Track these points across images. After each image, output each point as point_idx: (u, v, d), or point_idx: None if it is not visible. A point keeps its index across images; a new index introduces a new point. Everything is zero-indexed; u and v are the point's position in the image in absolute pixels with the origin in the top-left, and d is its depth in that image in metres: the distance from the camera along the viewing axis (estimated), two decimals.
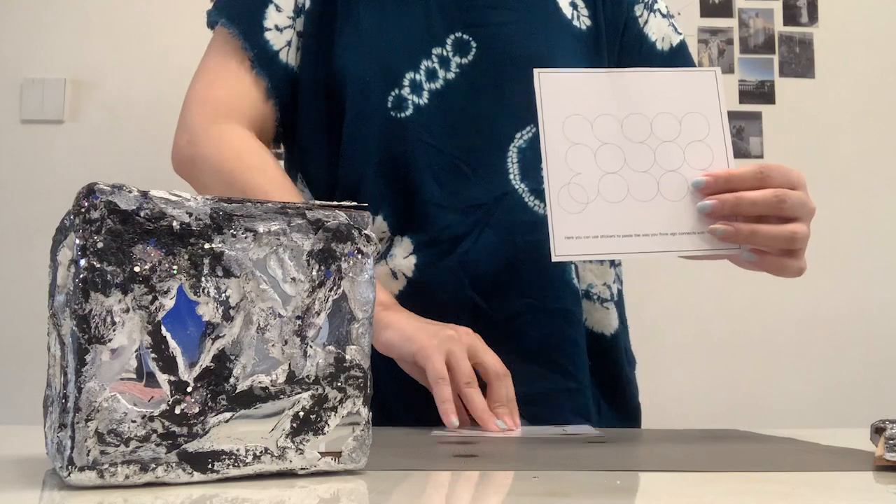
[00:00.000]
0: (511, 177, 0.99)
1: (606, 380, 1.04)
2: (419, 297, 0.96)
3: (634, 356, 1.12)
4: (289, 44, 1.02)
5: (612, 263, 1.08)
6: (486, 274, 0.96)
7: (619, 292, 1.09)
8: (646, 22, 1.10)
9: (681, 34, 1.12)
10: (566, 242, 0.76)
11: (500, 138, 0.99)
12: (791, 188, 0.80)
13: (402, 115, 0.99)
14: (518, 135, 1.00)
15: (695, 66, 1.11)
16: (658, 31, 1.10)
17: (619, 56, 1.09)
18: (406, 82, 1.00)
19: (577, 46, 1.05)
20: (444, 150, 0.99)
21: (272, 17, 1.02)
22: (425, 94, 1.00)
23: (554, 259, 0.76)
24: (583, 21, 1.06)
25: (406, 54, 1.00)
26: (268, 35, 1.01)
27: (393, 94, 0.99)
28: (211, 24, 1.06)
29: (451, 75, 1.00)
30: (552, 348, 0.97)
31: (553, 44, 1.04)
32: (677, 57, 1.11)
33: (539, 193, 0.99)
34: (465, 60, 1.01)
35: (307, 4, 1.03)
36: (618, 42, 1.09)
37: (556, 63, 1.01)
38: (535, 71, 0.80)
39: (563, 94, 0.80)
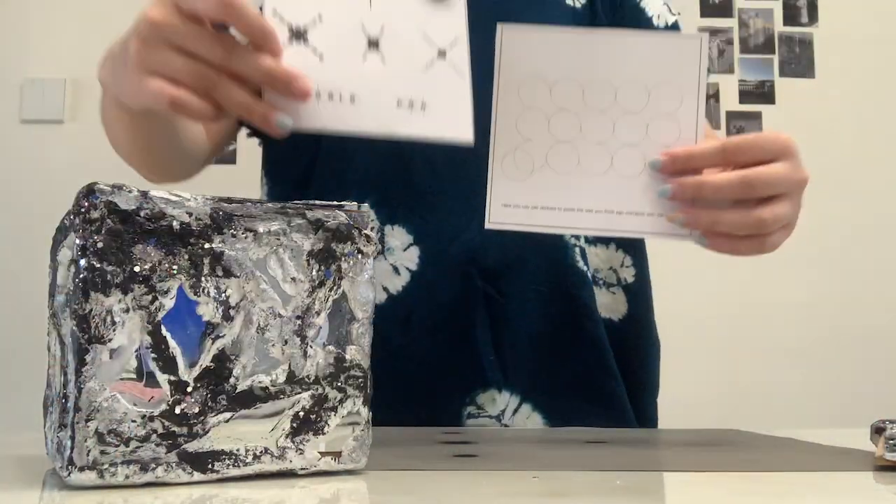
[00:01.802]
0: None
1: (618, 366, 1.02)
2: (425, 290, 0.94)
3: (660, 346, 1.08)
4: None
5: (620, 246, 1.05)
6: (494, 261, 0.95)
7: (637, 276, 1.05)
8: None
9: (675, 15, 1.09)
10: (503, 210, 0.72)
11: None
12: (772, 159, 0.71)
13: None
14: None
15: None
16: (654, 8, 1.08)
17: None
18: None
19: (572, 24, 1.01)
20: None
21: None
22: None
23: (487, 226, 0.72)
24: (577, 0, 1.04)
25: None
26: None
27: None
28: None
29: None
30: (563, 336, 0.97)
31: (548, 19, 1.01)
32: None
33: None
34: None
35: None
36: (616, 17, 1.06)
37: None
38: (499, 25, 0.73)
39: (525, 53, 0.73)
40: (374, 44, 0.69)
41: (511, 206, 0.72)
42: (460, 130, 0.70)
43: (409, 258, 0.95)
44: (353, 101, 0.67)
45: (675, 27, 1.08)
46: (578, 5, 1.04)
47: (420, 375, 0.92)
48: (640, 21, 1.07)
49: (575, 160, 0.72)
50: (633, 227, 0.72)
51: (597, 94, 0.72)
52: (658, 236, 0.72)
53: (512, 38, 0.73)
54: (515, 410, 0.94)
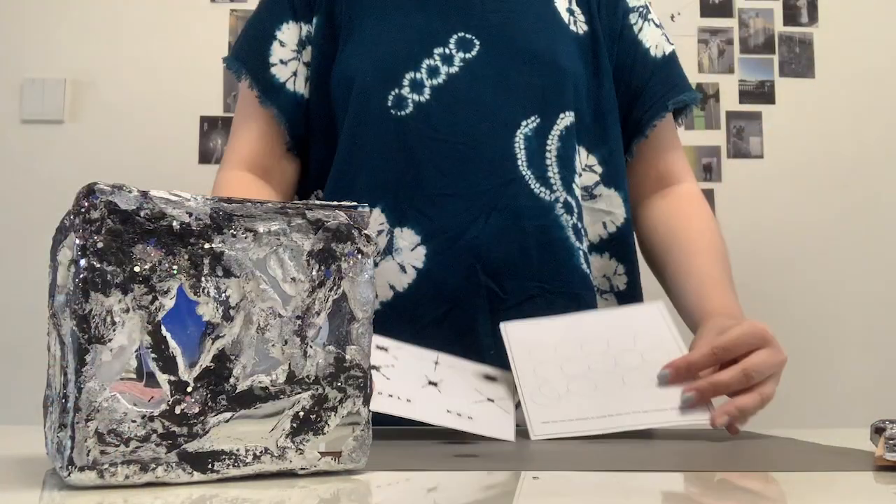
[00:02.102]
0: (519, 163, 1.00)
1: None
2: (431, 286, 0.97)
3: None
4: (294, 74, 1.09)
5: (613, 255, 1.09)
6: (497, 258, 0.98)
7: (629, 284, 1.10)
8: (640, 29, 1.14)
9: (672, 45, 1.15)
10: (542, 426, 0.81)
11: (505, 125, 1.01)
12: (755, 349, 0.84)
13: (403, 113, 1.01)
14: (524, 122, 1.01)
15: (684, 76, 1.15)
16: (652, 39, 1.14)
17: (617, 60, 1.11)
18: (406, 82, 1.01)
19: (576, 48, 1.07)
20: (448, 139, 1.00)
21: (277, 53, 1.09)
22: (426, 91, 1.01)
23: (533, 438, 0.79)
24: (580, 26, 1.09)
25: (406, 55, 1.03)
26: (273, 70, 1.08)
27: (393, 94, 1.01)
28: (229, 69, 1.13)
29: (454, 69, 1.02)
30: None
31: (555, 42, 1.06)
32: (670, 64, 1.13)
33: (545, 181, 1.01)
34: (469, 55, 1.03)
35: (312, 33, 1.09)
36: (615, 48, 1.11)
37: (558, 58, 1.04)
38: (502, 324, 0.90)
39: (528, 336, 0.90)
40: (433, 384, 0.83)
41: (549, 422, 0.81)
42: (503, 434, 0.79)
43: (416, 257, 0.97)
44: (410, 401, 0.78)
45: (672, 56, 1.14)
46: (581, 32, 1.09)
47: None
48: (636, 53, 1.12)
49: (592, 386, 0.84)
50: (662, 420, 0.81)
51: (592, 345, 0.88)
52: (684, 424, 0.82)
53: (513, 329, 0.90)
54: (517, 405, 0.94)
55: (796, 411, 2.22)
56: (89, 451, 0.46)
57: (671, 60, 1.13)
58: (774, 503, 0.48)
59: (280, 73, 1.08)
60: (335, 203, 0.55)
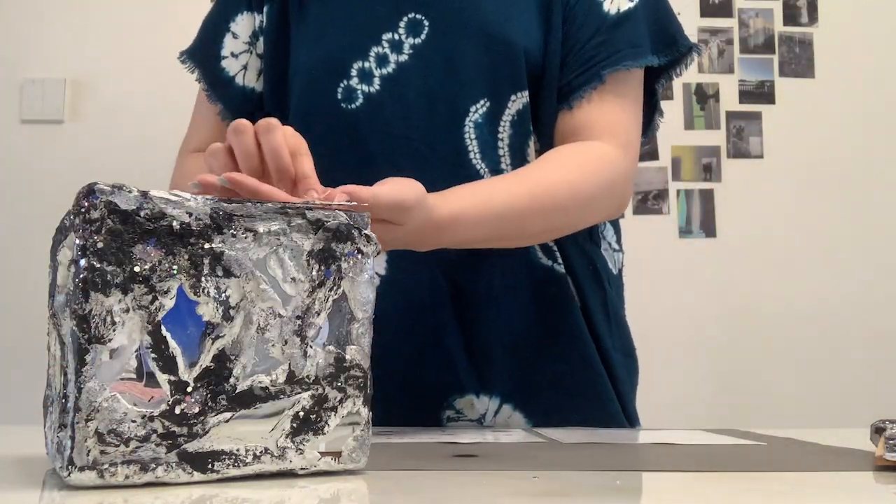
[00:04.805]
0: (472, 156, 0.94)
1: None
2: (397, 293, 0.92)
3: (631, 346, 1.06)
4: (245, 67, 1.05)
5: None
6: (457, 260, 0.93)
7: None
8: None
9: (633, 2, 0.99)
10: None
11: (455, 114, 0.95)
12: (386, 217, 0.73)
13: (353, 106, 0.96)
14: (472, 108, 0.95)
15: (642, 37, 0.98)
16: None
17: (565, 18, 0.98)
18: (354, 72, 0.97)
19: (535, 13, 0.98)
20: (402, 134, 0.95)
21: (229, 46, 1.05)
22: (376, 81, 0.96)
23: None
24: None
25: (353, 44, 0.98)
26: (224, 63, 1.05)
27: (342, 85, 0.96)
28: (182, 63, 1.10)
29: (403, 57, 0.96)
30: (539, 333, 0.95)
31: (508, 8, 0.98)
32: (625, 24, 0.98)
33: (497, 174, 0.94)
34: (417, 41, 0.97)
35: (264, 24, 1.04)
36: (571, 2, 0.99)
37: (508, 31, 0.96)
38: None
39: None
40: None
41: None
42: None
43: (378, 263, 0.93)
44: None
45: (630, 14, 0.98)
46: None
47: (395, 382, 0.90)
48: (591, 7, 0.98)
49: None
50: None
51: None
52: None
53: None
54: (496, 412, 0.93)
55: (796, 411, 2.22)
56: (89, 451, 0.46)
57: (626, 19, 0.97)
58: (775, 503, 0.48)
59: (230, 66, 1.04)
60: (335, 203, 0.55)
